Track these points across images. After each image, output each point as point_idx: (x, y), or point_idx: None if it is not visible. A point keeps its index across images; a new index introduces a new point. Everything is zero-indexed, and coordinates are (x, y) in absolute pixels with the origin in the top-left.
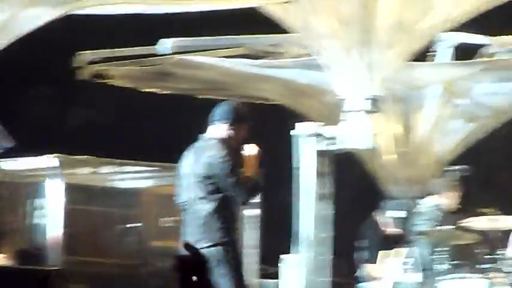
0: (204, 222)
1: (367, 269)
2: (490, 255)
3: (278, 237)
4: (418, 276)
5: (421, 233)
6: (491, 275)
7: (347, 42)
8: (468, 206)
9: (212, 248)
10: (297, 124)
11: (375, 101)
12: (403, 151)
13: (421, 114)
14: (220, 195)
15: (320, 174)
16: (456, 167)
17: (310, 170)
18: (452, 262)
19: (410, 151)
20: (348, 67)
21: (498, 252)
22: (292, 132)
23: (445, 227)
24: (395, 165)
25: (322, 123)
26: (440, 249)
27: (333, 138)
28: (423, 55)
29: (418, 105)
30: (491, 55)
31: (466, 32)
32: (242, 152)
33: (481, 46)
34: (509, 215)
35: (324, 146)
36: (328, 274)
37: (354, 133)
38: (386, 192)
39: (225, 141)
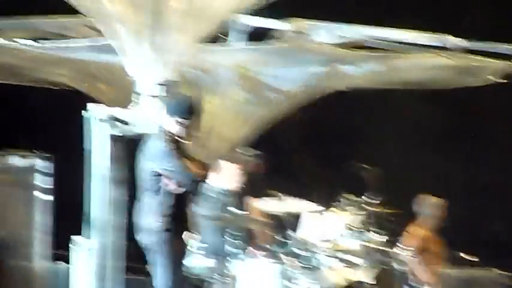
0: (142, 210)
1: None
2: (280, 238)
3: (73, 221)
4: (210, 261)
5: (209, 217)
6: (282, 257)
7: (138, 26)
8: (259, 189)
9: (146, 234)
10: (89, 106)
11: (166, 85)
12: (195, 135)
13: (214, 98)
14: (157, 185)
15: (114, 159)
16: (247, 151)
17: (103, 154)
18: (242, 245)
19: (203, 135)
20: (139, 51)
21: (288, 234)
22: (84, 114)
23: (235, 210)
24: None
25: (116, 107)
26: (230, 232)
27: (126, 122)
28: (216, 39)
29: (211, 89)
30: (284, 39)
31: (259, 16)
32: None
33: (274, 30)
34: (299, 198)
35: (116, 130)
36: (122, 259)
37: (147, 117)
38: None
39: (169, 133)
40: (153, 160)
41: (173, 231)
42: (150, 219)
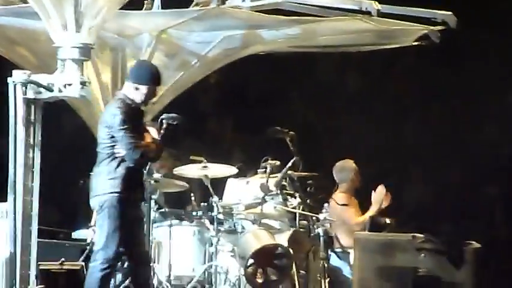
0: (96, 173)
1: None
2: (201, 202)
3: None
4: None
5: None
6: (202, 222)
7: None
8: (178, 154)
9: (96, 197)
10: (14, 72)
11: (84, 49)
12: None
13: (133, 63)
14: (111, 150)
15: (28, 123)
16: (166, 115)
17: (19, 118)
18: (161, 210)
19: None
20: (58, 14)
21: (212, 200)
22: (9, 80)
23: (154, 175)
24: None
25: (34, 72)
26: (153, 198)
27: (43, 86)
28: (135, 3)
29: (130, 53)
30: (204, 4)
31: None
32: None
33: None
34: (218, 163)
35: (33, 94)
36: (35, 222)
37: (64, 81)
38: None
39: (126, 98)
40: (105, 125)
41: (126, 197)
42: (103, 183)
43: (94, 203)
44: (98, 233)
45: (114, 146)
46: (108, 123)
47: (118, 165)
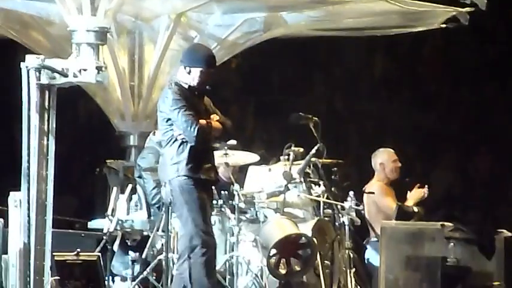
0: (160, 163)
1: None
2: (222, 191)
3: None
4: (143, 214)
5: (146, 169)
6: (223, 211)
7: None
8: None
9: (164, 189)
10: (27, 56)
11: (100, 33)
12: (130, 85)
13: (151, 47)
14: (171, 133)
15: (42, 109)
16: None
17: (33, 104)
18: None
19: (139, 85)
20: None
21: (231, 188)
22: (22, 65)
23: None
24: (122, 99)
25: (48, 56)
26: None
27: (57, 71)
28: None
29: (147, 37)
30: None
31: None
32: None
33: None
34: (239, 149)
35: (47, 79)
36: (51, 212)
37: (79, 66)
38: (115, 127)
39: (179, 82)
40: (159, 110)
41: (194, 179)
42: (168, 170)
43: (164, 194)
44: (179, 224)
45: (171, 129)
46: (160, 107)
47: (179, 148)
